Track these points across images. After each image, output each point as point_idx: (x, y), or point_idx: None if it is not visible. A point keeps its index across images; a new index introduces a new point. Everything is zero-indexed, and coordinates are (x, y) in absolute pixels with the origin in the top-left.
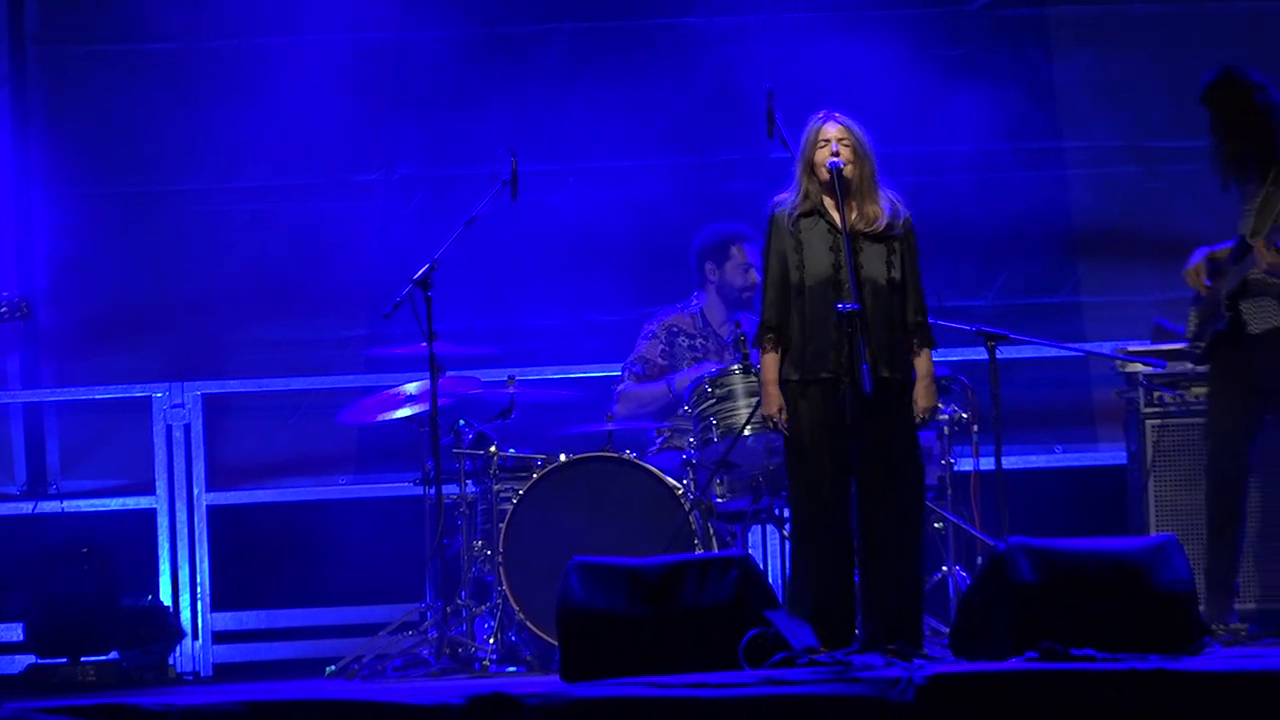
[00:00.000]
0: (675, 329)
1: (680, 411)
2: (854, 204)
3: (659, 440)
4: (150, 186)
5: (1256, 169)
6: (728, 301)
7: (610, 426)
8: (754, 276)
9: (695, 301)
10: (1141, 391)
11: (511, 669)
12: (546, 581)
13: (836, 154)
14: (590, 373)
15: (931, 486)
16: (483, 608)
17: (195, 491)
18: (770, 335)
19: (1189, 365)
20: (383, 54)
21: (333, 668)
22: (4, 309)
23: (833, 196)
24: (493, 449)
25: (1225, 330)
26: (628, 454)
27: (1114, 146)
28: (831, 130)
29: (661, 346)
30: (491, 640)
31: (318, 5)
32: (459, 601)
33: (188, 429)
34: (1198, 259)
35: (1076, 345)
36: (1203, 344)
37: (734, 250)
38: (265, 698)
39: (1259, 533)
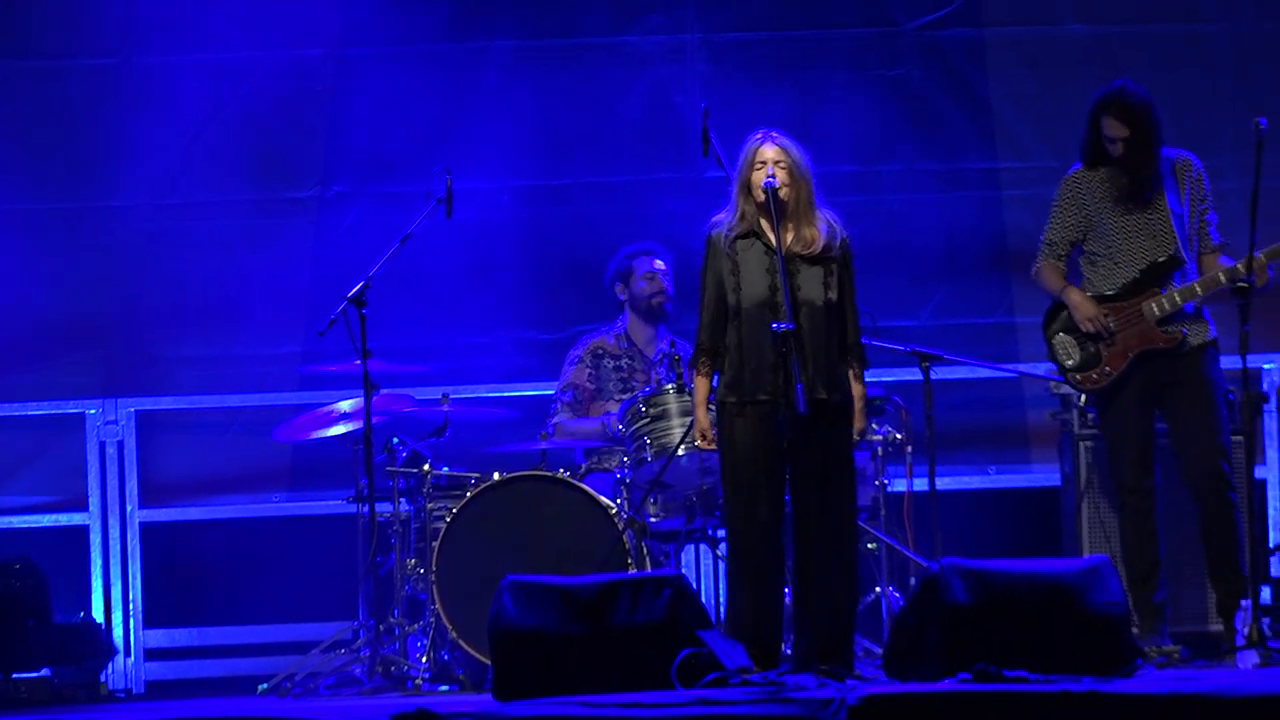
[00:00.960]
0: (600, 352)
1: (615, 435)
2: (791, 225)
3: (585, 462)
4: (85, 202)
5: (1139, 189)
6: (642, 315)
7: (544, 445)
8: (660, 283)
9: (620, 324)
10: (1075, 413)
11: (444, 687)
12: (479, 600)
13: (773, 175)
14: (525, 391)
15: (865, 507)
16: (415, 626)
17: (128, 508)
18: (704, 360)
19: None
20: (319, 70)
21: (265, 685)
22: None
23: (769, 218)
24: (426, 467)
25: (1160, 350)
26: (561, 473)
27: (1049, 167)
28: (769, 151)
29: (588, 371)
30: (424, 659)
31: (253, 21)
32: (392, 620)
33: (121, 445)
34: (1090, 302)
35: (1010, 366)
36: (1111, 370)
37: (634, 264)
38: (197, 715)
39: (1187, 554)
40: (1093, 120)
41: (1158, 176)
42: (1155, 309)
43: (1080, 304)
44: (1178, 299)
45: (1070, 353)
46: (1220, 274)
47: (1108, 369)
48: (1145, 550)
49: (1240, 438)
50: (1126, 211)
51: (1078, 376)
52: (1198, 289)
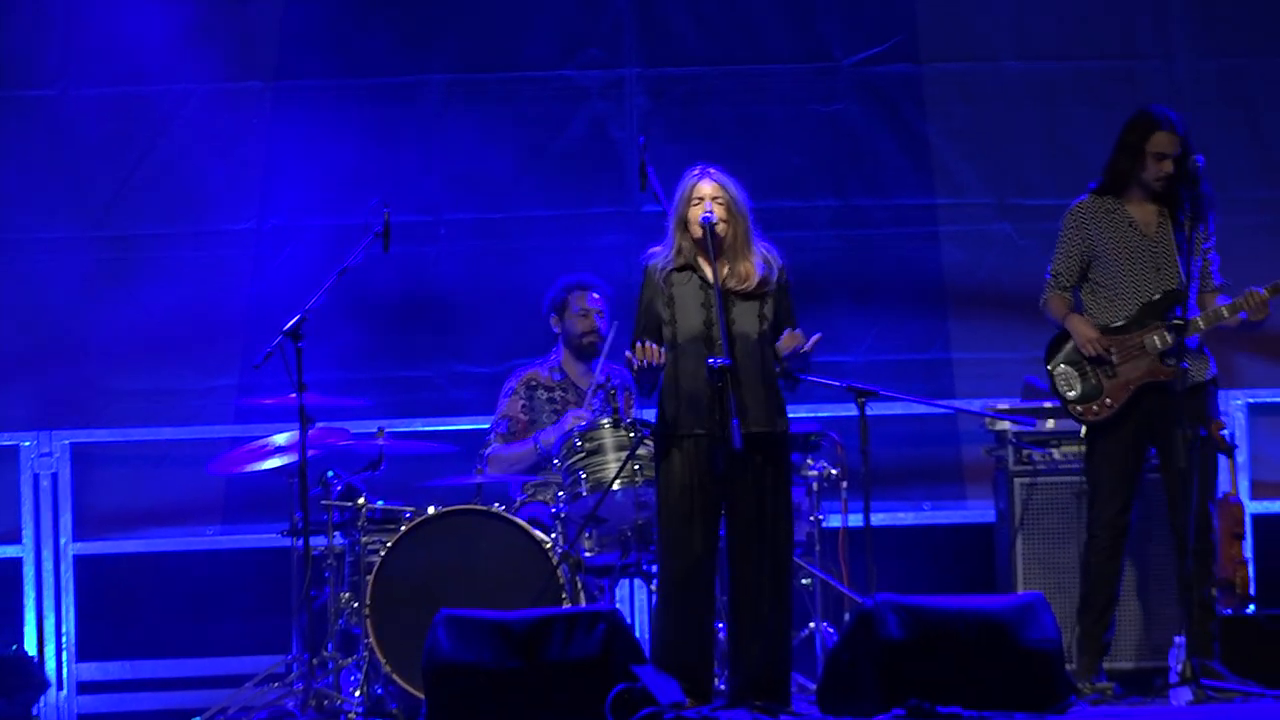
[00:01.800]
0: (534, 383)
1: (550, 466)
2: (727, 261)
3: (522, 496)
4: (18, 234)
5: (1143, 217)
6: (573, 351)
7: (479, 479)
8: (592, 322)
9: (554, 356)
10: (1010, 449)
11: None
12: (413, 634)
13: (710, 211)
14: (460, 425)
15: (800, 542)
16: (349, 660)
17: (62, 541)
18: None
19: (1053, 424)
20: (256, 103)
21: (198, 719)
22: None
23: (706, 253)
24: (361, 501)
25: (1157, 385)
26: (496, 507)
27: (985, 204)
28: (706, 187)
29: (522, 402)
30: (358, 693)
31: (190, 54)
32: (325, 654)
33: (55, 478)
34: (1091, 326)
35: (946, 403)
36: (1112, 403)
37: (570, 299)
38: None
39: (1131, 588)
40: (1135, 139)
41: (1197, 202)
42: (1158, 341)
43: (1081, 329)
44: (1181, 332)
45: (1072, 384)
46: (1224, 309)
47: (1109, 401)
48: (1105, 587)
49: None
50: (1131, 242)
51: (1079, 408)
52: (1200, 323)
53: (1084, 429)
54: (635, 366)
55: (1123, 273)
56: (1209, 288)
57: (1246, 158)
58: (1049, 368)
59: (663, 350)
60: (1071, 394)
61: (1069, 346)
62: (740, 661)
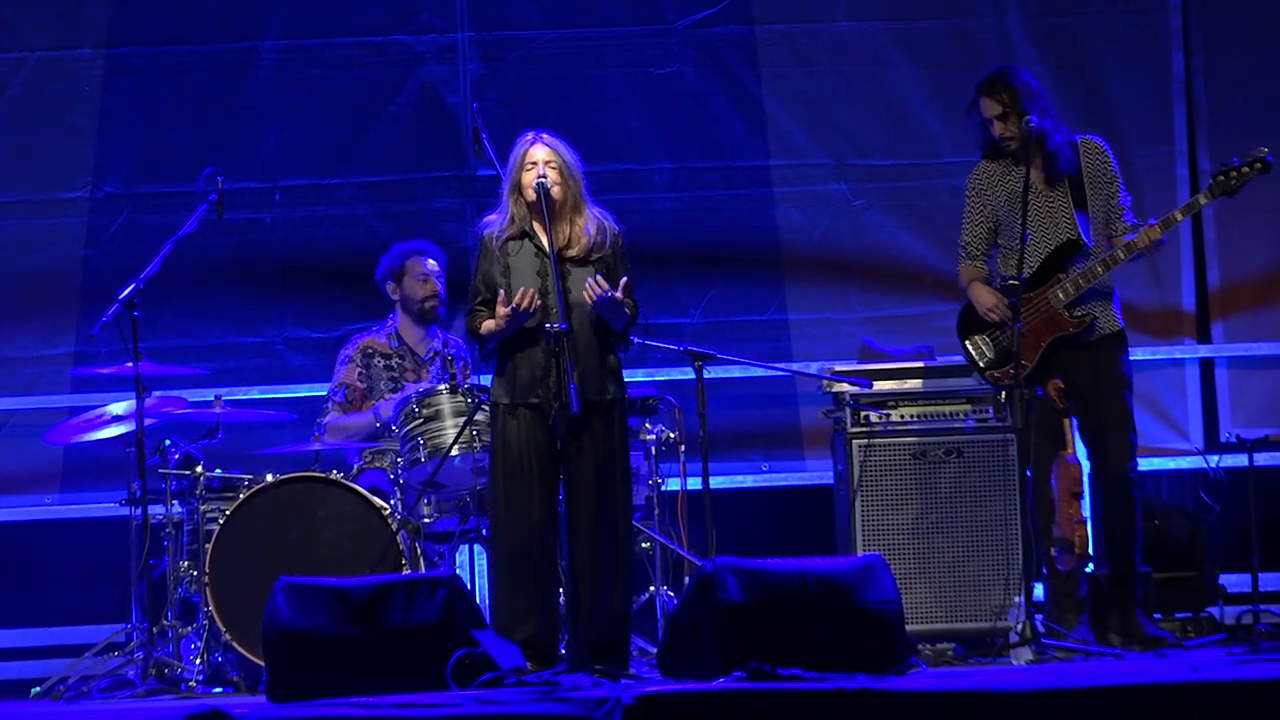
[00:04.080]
0: (371, 351)
1: (389, 434)
2: (561, 226)
3: (360, 462)
4: None
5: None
6: (413, 317)
7: (317, 446)
8: (433, 286)
9: (391, 322)
10: (848, 411)
11: (218, 690)
12: (253, 602)
13: (544, 176)
14: (298, 393)
15: (639, 506)
16: (189, 628)
17: None
18: (479, 310)
19: (897, 385)
20: (88, 70)
21: (38, 689)
22: None
23: (540, 219)
24: (199, 469)
25: (1070, 337)
26: (335, 474)
27: (820, 164)
28: (539, 152)
29: (359, 370)
30: (198, 661)
31: (22, 21)
32: (165, 622)
33: None
34: (990, 292)
35: (784, 365)
36: (1026, 363)
37: (407, 264)
38: None
39: (971, 550)
40: (973, 107)
41: (1053, 160)
42: (1060, 294)
43: (980, 295)
44: (1081, 281)
45: (984, 352)
46: (1119, 251)
47: (1024, 362)
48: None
49: (1012, 435)
50: (1007, 195)
51: (995, 374)
52: (1098, 268)
53: (1003, 394)
54: (505, 312)
55: (1019, 231)
56: (1119, 231)
57: (1080, 115)
58: (961, 341)
59: (534, 293)
60: (983, 362)
61: (975, 316)
62: (580, 627)
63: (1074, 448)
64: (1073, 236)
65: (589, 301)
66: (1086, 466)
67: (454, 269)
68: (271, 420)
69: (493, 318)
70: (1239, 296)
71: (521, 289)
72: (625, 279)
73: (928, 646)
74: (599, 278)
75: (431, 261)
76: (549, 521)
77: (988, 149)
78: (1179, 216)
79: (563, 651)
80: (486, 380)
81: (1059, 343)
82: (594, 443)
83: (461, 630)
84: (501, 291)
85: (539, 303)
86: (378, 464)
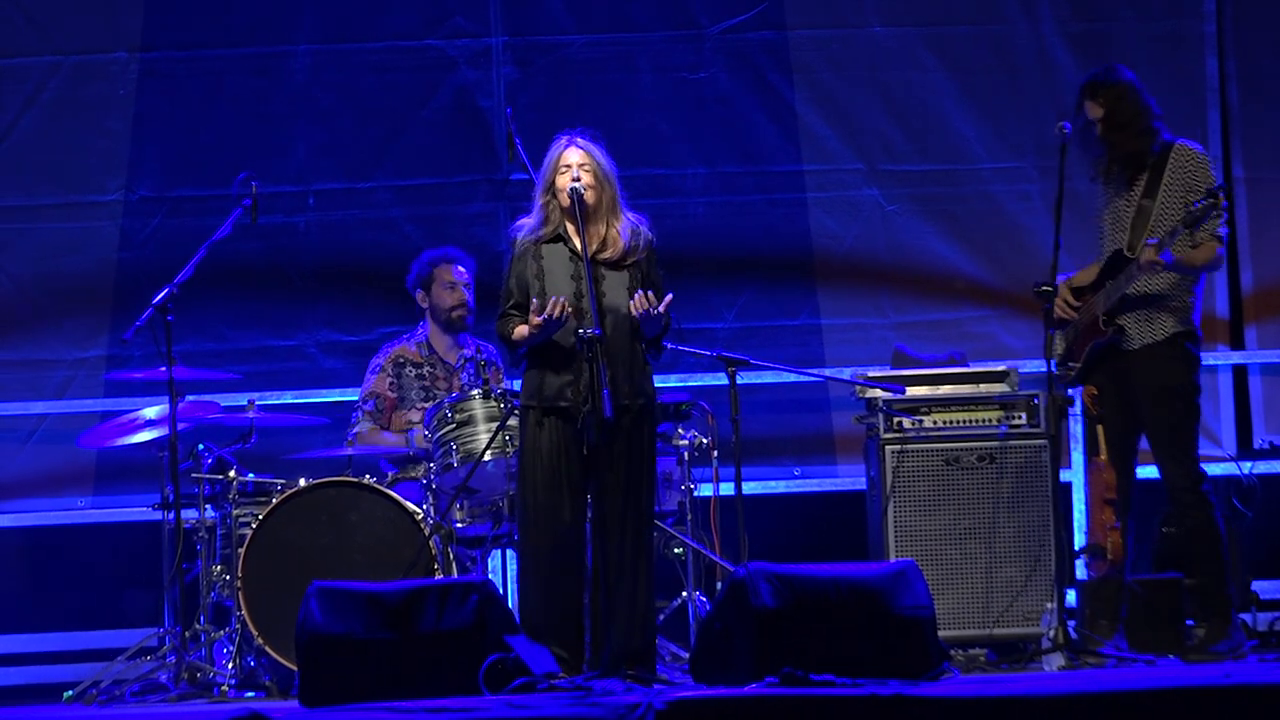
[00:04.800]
0: (402, 360)
1: (417, 453)
2: (595, 230)
3: (393, 471)
4: None
5: (1125, 176)
6: (441, 325)
7: (350, 451)
8: (460, 294)
9: (421, 331)
10: (881, 417)
11: (251, 694)
12: (286, 606)
13: (578, 180)
14: (330, 397)
15: (672, 512)
16: (221, 633)
17: None
18: (510, 315)
19: (930, 391)
20: (123, 74)
21: (70, 693)
22: None
23: (574, 222)
24: (232, 474)
25: (1106, 347)
26: (368, 478)
27: (853, 170)
28: (573, 155)
29: (390, 379)
30: (230, 665)
31: (56, 24)
32: (198, 626)
33: None
34: (1063, 289)
35: (816, 371)
36: (1077, 365)
37: (436, 272)
38: None
39: (1004, 556)
40: (1077, 108)
41: (1139, 163)
42: (1101, 301)
43: (1062, 292)
44: (1111, 291)
45: (1057, 349)
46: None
47: (1073, 364)
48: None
49: (1044, 441)
50: (1109, 200)
51: (1059, 371)
52: (1122, 279)
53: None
54: (538, 321)
55: (1103, 231)
56: (1187, 242)
57: None
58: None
59: (565, 302)
60: (1054, 359)
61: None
62: (610, 632)
63: (1107, 454)
64: (1128, 242)
65: (632, 312)
66: None
67: (487, 273)
68: (304, 425)
69: (525, 323)
70: (1273, 301)
71: (553, 298)
72: (670, 295)
73: (960, 652)
74: (649, 294)
75: (460, 269)
76: (578, 526)
77: (1090, 150)
78: (1166, 242)
79: (585, 656)
80: (519, 385)
81: (1100, 349)
82: (625, 448)
83: (494, 635)
84: (535, 300)
85: (570, 311)
86: (411, 474)
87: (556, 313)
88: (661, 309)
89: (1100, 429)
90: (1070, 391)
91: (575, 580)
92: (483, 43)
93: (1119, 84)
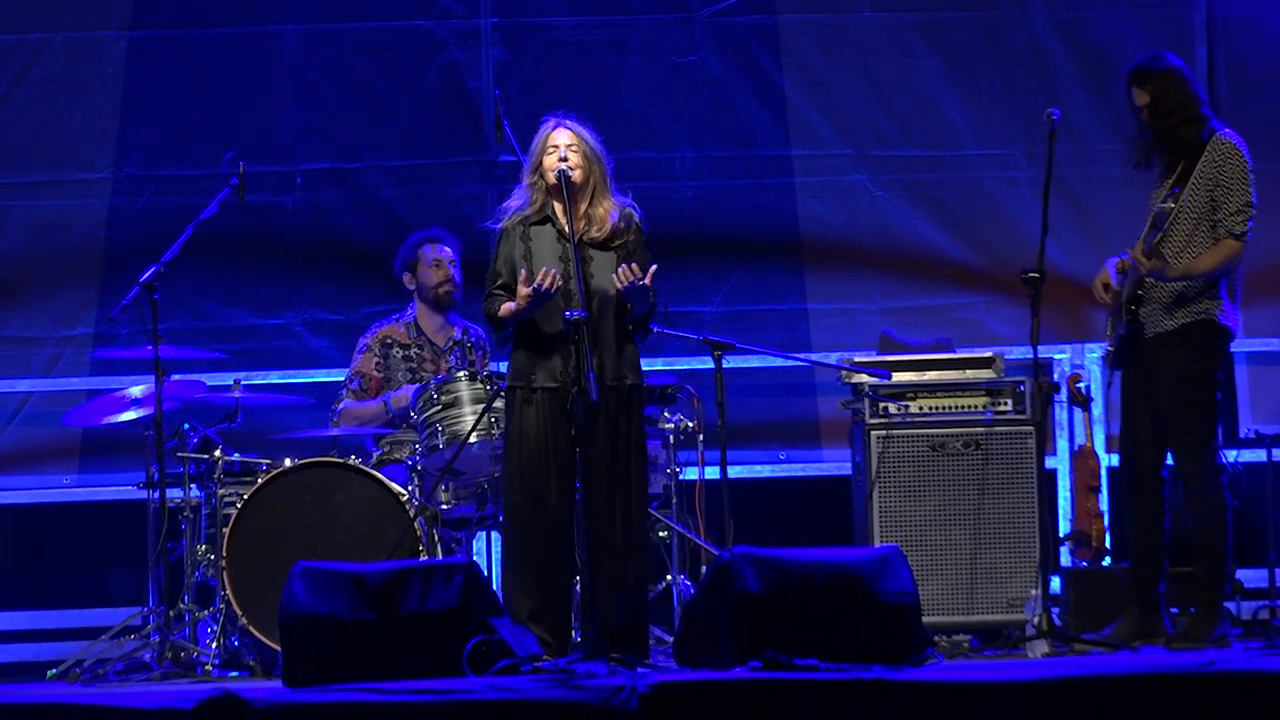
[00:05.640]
0: (389, 341)
1: (403, 425)
2: (583, 210)
3: (378, 452)
4: None
5: (1166, 163)
6: (429, 304)
7: (335, 431)
8: (445, 271)
9: (409, 312)
10: (867, 402)
11: (234, 674)
12: (270, 586)
13: (565, 160)
14: (316, 377)
15: (657, 495)
16: (205, 612)
17: None
18: (497, 294)
19: (916, 376)
20: (111, 52)
21: (54, 671)
22: None
23: (562, 203)
24: (217, 453)
25: (1127, 336)
26: (353, 459)
27: (842, 155)
28: (561, 136)
29: (376, 360)
30: (214, 645)
31: (44, 2)
32: (182, 606)
33: None
34: (1105, 269)
35: (803, 356)
36: (1113, 350)
37: (420, 253)
38: None
39: (988, 542)
40: (1126, 95)
41: (1183, 151)
42: (1126, 291)
43: (1100, 274)
44: (1129, 282)
45: (1108, 332)
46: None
47: (1110, 346)
48: (1147, 541)
49: (1030, 428)
50: (1154, 188)
51: (1107, 351)
52: (1133, 272)
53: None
54: (527, 292)
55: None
56: (1216, 234)
57: (1102, 107)
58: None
59: (556, 273)
60: (1108, 338)
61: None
62: (597, 615)
63: (1093, 441)
64: (1141, 237)
65: (618, 286)
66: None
67: (474, 254)
68: (289, 404)
69: (513, 300)
70: (1259, 288)
71: (544, 269)
72: (655, 266)
73: (944, 638)
74: (633, 265)
75: (445, 248)
76: (565, 507)
77: (1141, 135)
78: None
79: (578, 639)
80: (505, 368)
81: (1124, 336)
82: (611, 430)
83: (478, 617)
84: (523, 272)
85: (560, 283)
86: (395, 455)
87: (547, 283)
88: (646, 281)
89: (1086, 416)
90: (1056, 378)
91: (561, 565)
92: (472, 24)
93: (1167, 71)
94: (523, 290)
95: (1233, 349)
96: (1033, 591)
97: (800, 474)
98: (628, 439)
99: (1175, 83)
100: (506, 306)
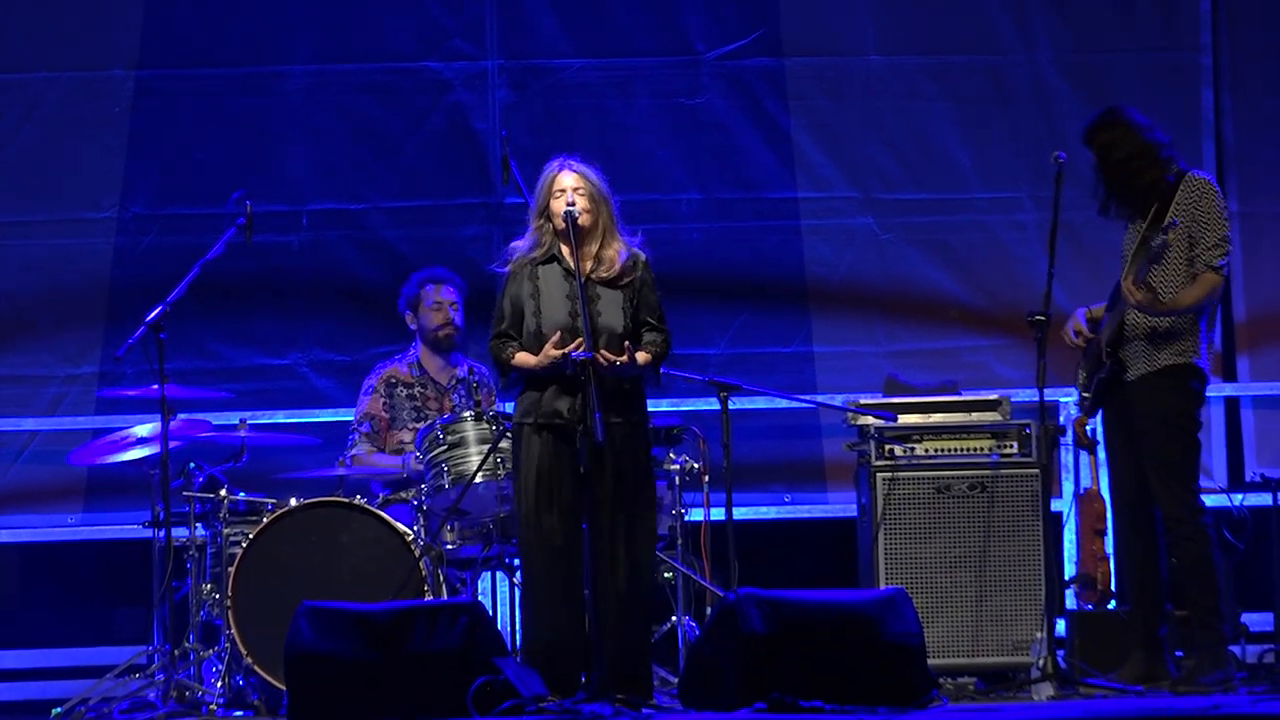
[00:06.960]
0: (394, 381)
1: (414, 475)
2: (590, 252)
3: (385, 493)
4: None
5: (1138, 207)
6: (430, 345)
7: (341, 471)
8: (446, 314)
9: (412, 351)
10: (872, 444)
11: (239, 713)
12: (275, 625)
13: (572, 203)
14: (321, 417)
15: (662, 536)
16: (210, 651)
17: None
18: (504, 337)
19: (922, 419)
20: (118, 91)
21: (59, 710)
22: None
23: (569, 244)
24: (223, 492)
25: (1108, 378)
26: (359, 499)
27: (848, 198)
28: (567, 179)
29: (383, 400)
30: (219, 684)
31: (52, 41)
32: (187, 645)
33: None
34: (1075, 318)
35: (808, 398)
36: (1089, 395)
37: (422, 293)
38: None
39: (994, 584)
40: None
41: (1150, 196)
42: (1105, 333)
43: (1071, 320)
44: (1112, 324)
45: (1079, 380)
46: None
47: (1085, 394)
48: (1143, 583)
49: (1036, 471)
50: (1126, 230)
51: (1081, 402)
52: (1117, 313)
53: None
54: (555, 354)
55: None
56: (1183, 271)
57: None
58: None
59: (584, 343)
60: (1078, 387)
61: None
62: (602, 655)
63: (1098, 484)
64: (1121, 280)
65: (604, 365)
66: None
67: (479, 295)
68: (295, 444)
69: (523, 348)
70: (1265, 332)
71: (577, 341)
72: (641, 353)
73: (949, 681)
74: (625, 352)
75: (449, 289)
76: (571, 546)
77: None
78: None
79: (581, 679)
80: (510, 408)
81: (1103, 380)
82: (617, 469)
83: (483, 657)
84: (543, 326)
85: (584, 350)
86: (402, 496)
87: (574, 351)
88: (623, 361)
89: (1092, 459)
90: (1062, 421)
91: (570, 602)
92: (479, 65)
93: (1114, 124)
94: (549, 350)
95: (1237, 393)
96: (1038, 634)
97: (805, 515)
98: (634, 479)
99: (1123, 135)
100: (521, 358)
